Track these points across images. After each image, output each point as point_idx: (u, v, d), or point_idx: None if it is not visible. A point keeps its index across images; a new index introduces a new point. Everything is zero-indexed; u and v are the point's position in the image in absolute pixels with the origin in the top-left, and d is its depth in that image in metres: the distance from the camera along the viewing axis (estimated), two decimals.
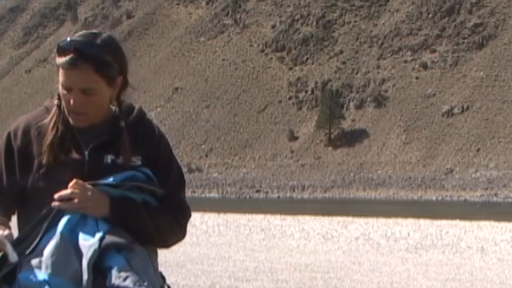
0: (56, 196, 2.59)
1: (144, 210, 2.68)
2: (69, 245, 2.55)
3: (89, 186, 2.61)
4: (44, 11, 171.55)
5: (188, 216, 2.80)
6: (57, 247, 2.53)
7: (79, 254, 2.54)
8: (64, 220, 2.58)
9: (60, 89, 2.68)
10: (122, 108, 2.77)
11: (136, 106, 2.82)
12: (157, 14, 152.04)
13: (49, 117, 2.73)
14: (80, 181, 2.60)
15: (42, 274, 2.52)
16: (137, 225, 2.65)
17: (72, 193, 2.59)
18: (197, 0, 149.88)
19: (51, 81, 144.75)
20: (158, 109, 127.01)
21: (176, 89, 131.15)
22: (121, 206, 2.64)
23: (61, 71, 2.65)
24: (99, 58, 2.63)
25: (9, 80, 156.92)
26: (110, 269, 2.54)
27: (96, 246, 2.54)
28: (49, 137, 2.69)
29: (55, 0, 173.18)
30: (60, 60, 2.64)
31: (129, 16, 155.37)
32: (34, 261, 2.55)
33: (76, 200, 2.59)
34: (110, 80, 2.67)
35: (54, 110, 2.73)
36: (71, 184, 2.59)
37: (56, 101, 2.75)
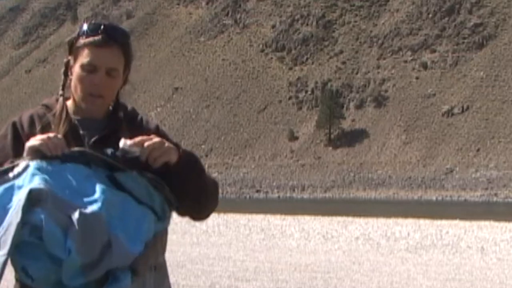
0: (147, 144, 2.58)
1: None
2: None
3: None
4: (44, 11, 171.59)
5: (217, 183, 2.84)
6: None
7: None
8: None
9: (79, 72, 2.70)
10: (119, 103, 2.83)
11: (129, 106, 2.87)
12: (157, 14, 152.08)
13: (58, 110, 2.74)
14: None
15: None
16: (195, 175, 2.69)
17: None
18: (197, 0, 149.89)
19: (51, 81, 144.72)
20: (158, 109, 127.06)
21: (176, 89, 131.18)
22: (187, 154, 2.68)
23: (87, 51, 2.69)
24: (126, 41, 2.74)
25: (9, 80, 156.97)
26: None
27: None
28: (61, 130, 2.69)
29: (55, 0, 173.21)
30: (88, 39, 2.69)
31: (129, 16, 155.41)
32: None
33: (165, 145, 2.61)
34: (128, 64, 2.76)
35: (61, 102, 2.76)
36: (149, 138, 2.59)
37: (60, 92, 2.77)
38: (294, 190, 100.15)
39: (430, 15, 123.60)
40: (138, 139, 2.57)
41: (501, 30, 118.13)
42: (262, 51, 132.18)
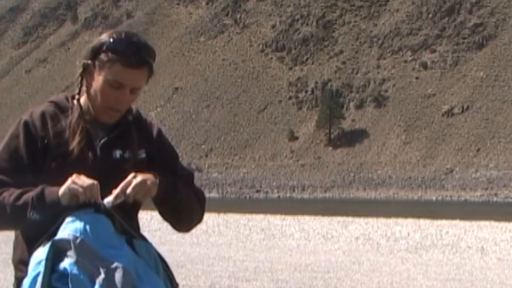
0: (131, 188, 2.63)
1: (180, 188, 2.79)
2: None
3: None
4: (44, 11, 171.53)
5: (205, 198, 2.91)
6: None
7: None
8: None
9: (103, 85, 2.70)
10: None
11: (133, 107, 2.89)
12: (157, 14, 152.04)
13: (75, 114, 2.74)
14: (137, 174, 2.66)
15: None
16: (175, 200, 2.76)
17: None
18: (197, 0, 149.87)
19: (51, 81, 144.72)
20: (158, 109, 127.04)
21: (176, 89, 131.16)
22: (166, 184, 2.72)
23: (116, 69, 2.68)
24: (152, 62, 2.74)
25: (9, 80, 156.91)
26: None
27: None
28: (78, 135, 2.71)
29: (55, 0, 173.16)
30: (119, 57, 2.67)
31: (129, 16, 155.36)
32: None
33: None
34: (149, 79, 2.79)
35: (77, 107, 2.76)
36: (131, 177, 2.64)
37: (77, 96, 2.77)
38: (294, 190, 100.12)
39: (430, 15, 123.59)
40: (119, 189, 2.61)
41: (501, 30, 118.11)
42: (262, 51, 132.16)
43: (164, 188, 2.70)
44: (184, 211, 2.80)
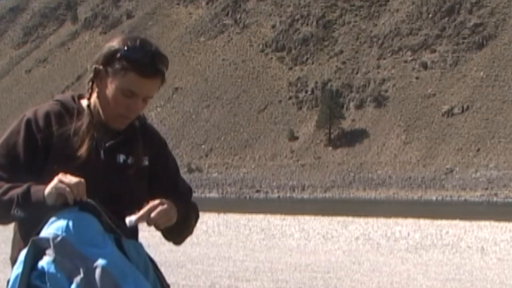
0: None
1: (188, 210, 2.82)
2: None
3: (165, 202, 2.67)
4: (44, 11, 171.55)
5: (199, 214, 2.93)
6: None
7: None
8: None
9: (115, 93, 2.67)
10: None
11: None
12: (157, 14, 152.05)
13: (86, 120, 2.71)
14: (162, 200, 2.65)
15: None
16: (182, 227, 2.80)
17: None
18: (197, 0, 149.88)
19: (51, 81, 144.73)
20: (158, 109, 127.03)
21: (176, 89, 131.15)
22: (181, 214, 2.74)
23: (131, 78, 2.65)
24: (165, 72, 2.71)
25: (9, 80, 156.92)
26: None
27: None
28: (87, 142, 2.69)
29: (55, 0, 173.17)
30: (134, 66, 2.64)
31: (129, 16, 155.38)
32: None
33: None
34: (160, 87, 2.77)
35: (88, 112, 2.72)
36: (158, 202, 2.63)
37: (87, 101, 2.74)
38: (294, 190, 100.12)
39: (430, 15, 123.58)
40: (145, 210, 2.59)
41: (501, 30, 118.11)
42: (262, 51, 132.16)
43: (180, 218, 2.71)
44: (184, 233, 2.83)
